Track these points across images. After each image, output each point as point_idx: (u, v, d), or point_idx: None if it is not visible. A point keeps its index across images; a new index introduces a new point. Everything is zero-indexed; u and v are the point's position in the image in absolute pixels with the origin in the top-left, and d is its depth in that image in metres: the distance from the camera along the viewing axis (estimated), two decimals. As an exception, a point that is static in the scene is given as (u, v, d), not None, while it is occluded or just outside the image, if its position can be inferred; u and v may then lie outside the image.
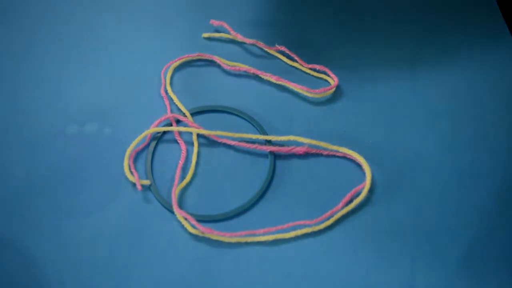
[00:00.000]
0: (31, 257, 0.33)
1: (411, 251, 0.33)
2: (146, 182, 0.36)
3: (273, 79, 0.41)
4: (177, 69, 0.42)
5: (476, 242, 0.34)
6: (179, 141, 0.38)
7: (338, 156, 0.37)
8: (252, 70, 0.41)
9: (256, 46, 0.43)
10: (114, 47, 0.44)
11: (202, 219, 0.35)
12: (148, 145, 0.38)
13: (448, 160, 0.37)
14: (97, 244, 0.34)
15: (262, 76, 0.41)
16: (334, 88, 0.40)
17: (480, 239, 0.34)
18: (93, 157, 0.37)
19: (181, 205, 0.35)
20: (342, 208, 0.35)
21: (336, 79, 0.40)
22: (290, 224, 0.34)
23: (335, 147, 0.37)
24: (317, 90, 0.40)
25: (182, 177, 0.37)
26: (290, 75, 0.41)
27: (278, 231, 0.34)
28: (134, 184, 0.36)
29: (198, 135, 0.38)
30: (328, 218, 0.34)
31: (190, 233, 0.34)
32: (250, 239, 0.34)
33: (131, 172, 0.36)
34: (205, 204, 0.36)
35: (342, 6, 0.46)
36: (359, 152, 0.37)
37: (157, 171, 0.37)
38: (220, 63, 0.42)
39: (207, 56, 0.42)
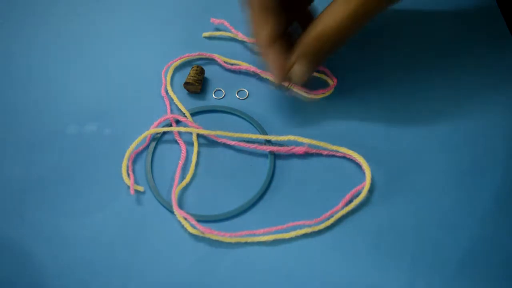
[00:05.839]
0: (31, 257, 0.34)
1: (411, 251, 0.33)
2: (140, 188, 0.36)
3: (273, 78, 0.40)
4: (178, 68, 0.42)
5: (476, 242, 0.34)
6: (179, 141, 0.38)
7: (338, 156, 0.37)
8: (253, 68, 0.41)
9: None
10: (114, 47, 0.43)
11: (202, 219, 0.35)
12: (148, 145, 0.38)
13: (448, 160, 0.37)
14: (97, 244, 0.34)
15: (262, 75, 0.41)
16: (333, 89, 0.40)
17: (480, 239, 0.34)
18: (93, 158, 0.37)
19: (181, 205, 0.35)
20: (342, 208, 0.35)
21: (335, 80, 0.40)
22: (290, 224, 0.34)
23: (335, 147, 0.37)
24: (315, 91, 0.39)
25: (182, 177, 0.37)
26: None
27: (278, 231, 0.34)
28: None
29: (198, 135, 0.38)
30: (328, 218, 0.34)
31: (190, 233, 0.34)
32: (250, 239, 0.34)
33: (128, 175, 0.36)
34: (205, 204, 0.36)
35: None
36: (359, 152, 0.37)
37: (157, 171, 0.37)
38: (221, 62, 0.42)
39: (207, 55, 0.42)
